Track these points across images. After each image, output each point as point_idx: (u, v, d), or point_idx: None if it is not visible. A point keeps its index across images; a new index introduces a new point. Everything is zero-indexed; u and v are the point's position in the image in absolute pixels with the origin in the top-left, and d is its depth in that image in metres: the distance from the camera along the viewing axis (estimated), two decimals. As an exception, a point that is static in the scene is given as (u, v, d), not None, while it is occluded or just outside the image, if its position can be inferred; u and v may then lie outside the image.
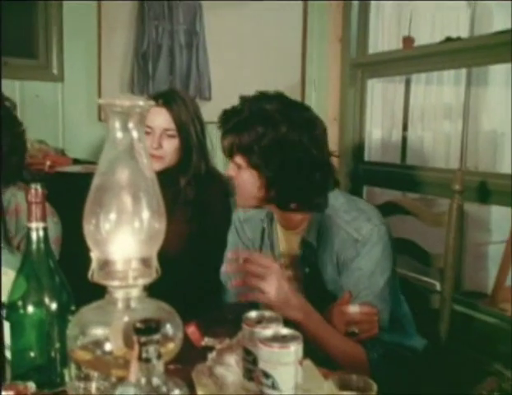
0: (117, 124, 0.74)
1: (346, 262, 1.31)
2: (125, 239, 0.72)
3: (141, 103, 0.74)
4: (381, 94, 3.00)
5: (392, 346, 1.35)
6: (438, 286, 2.81)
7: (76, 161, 2.43)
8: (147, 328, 0.61)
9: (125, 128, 0.74)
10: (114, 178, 0.73)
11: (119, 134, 0.74)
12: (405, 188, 2.71)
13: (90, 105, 2.61)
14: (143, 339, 0.60)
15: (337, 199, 1.36)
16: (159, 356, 0.61)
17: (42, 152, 2.41)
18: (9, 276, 0.92)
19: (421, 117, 3.10)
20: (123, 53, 2.66)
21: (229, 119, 1.32)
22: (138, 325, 0.61)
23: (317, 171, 1.30)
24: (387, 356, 1.29)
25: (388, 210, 1.69)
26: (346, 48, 2.85)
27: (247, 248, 1.52)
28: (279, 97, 1.33)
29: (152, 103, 0.79)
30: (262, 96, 1.32)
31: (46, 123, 2.56)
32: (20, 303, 0.87)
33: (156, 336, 0.61)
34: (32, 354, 0.88)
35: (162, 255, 1.46)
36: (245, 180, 1.32)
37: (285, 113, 1.27)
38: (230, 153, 1.32)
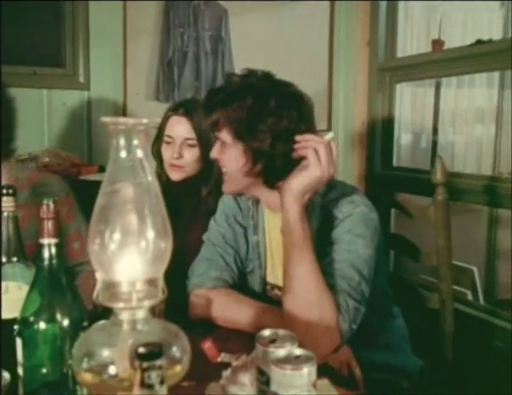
0: (121, 142, 0.72)
1: (326, 238, 1.28)
2: (130, 259, 0.71)
3: (145, 121, 0.72)
4: (410, 98, 2.94)
5: (380, 367, 1.31)
6: (470, 295, 2.75)
7: (102, 169, 2.45)
8: (150, 353, 0.58)
9: (129, 146, 0.73)
10: (119, 197, 0.72)
11: (123, 152, 0.73)
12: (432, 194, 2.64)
13: (115, 113, 2.63)
14: (145, 364, 0.58)
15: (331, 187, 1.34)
16: (162, 382, 0.59)
17: (68, 160, 2.44)
18: (23, 291, 0.92)
19: (452, 121, 3.03)
20: (149, 60, 2.68)
21: (215, 95, 1.30)
22: (140, 350, 0.58)
23: None
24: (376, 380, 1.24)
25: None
26: (374, 52, 2.80)
27: (241, 214, 1.48)
28: (266, 74, 1.32)
29: (157, 121, 0.77)
30: (250, 73, 1.31)
31: (73, 131, 2.60)
32: (32, 319, 0.87)
33: (159, 362, 0.59)
34: (44, 370, 0.87)
35: (184, 266, 1.46)
36: (231, 156, 1.29)
37: (273, 89, 1.26)
38: (215, 128, 1.30)
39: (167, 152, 1.73)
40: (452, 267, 1.61)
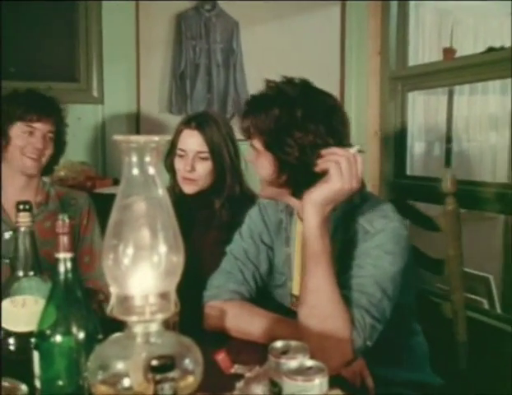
0: (133, 159, 0.74)
1: (353, 251, 1.26)
2: (143, 274, 0.72)
3: (156, 138, 0.74)
4: (423, 106, 2.93)
5: (400, 384, 1.29)
6: (486, 304, 2.72)
7: (116, 182, 2.47)
8: (162, 366, 0.60)
9: (141, 163, 0.74)
10: (132, 212, 0.74)
11: (136, 169, 0.74)
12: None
13: (129, 126, 2.65)
14: (158, 377, 0.60)
15: (357, 196, 1.31)
16: (175, 394, 0.61)
17: (84, 174, 2.46)
18: (40, 305, 0.93)
19: (466, 128, 3.00)
20: (161, 73, 2.70)
21: (250, 102, 1.31)
22: (153, 363, 0.60)
23: None
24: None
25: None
26: (385, 61, 2.81)
27: (267, 232, 1.48)
28: (303, 83, 1.30)
29: (168, 138, 0.78)
30: (286, 81, 1.30)
31: (87, 145, 2.63)
32: (49, 332, 0.88)
33: (172, 374, 0.60)
34: (61, 382, 0.88)
35: (197, 279, 1.46)
36: (262, 164, 1.30)
37: (304, 99, 1.25)
38: (247, 135, 1.31)
39: (180, 165, 1.75)
40: (464, 276, 1.59)
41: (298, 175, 1.26)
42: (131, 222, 0.73)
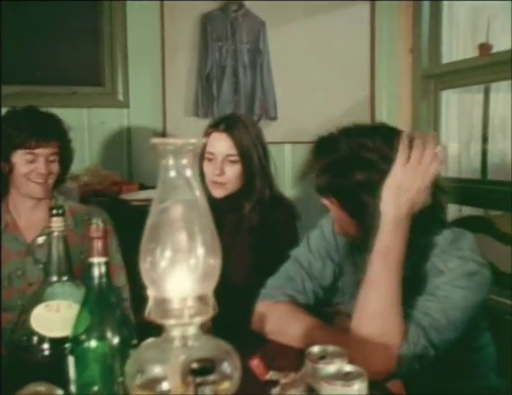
0: (170, 162, 0.75)
1: (424, 285, 1.22)
2: (181, 276, 0.73)
3: (193, 141, 0.74)
4: (457, 105, 2.84)
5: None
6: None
7: (142, 187, 2.44)
8: (203, 369, 0.60)
9: (178, 166, 0.75)
10: (169, 215, 0.75)
11: (173, 172, 0.75)
12: (486, 205, 2.54)
13: (155, 130, 2.62)
14: (199, 380, 0.60)
15: (439, 234, 1.26)
16: None
17: (109, 178, 2.43)
18: (74, 309, 0.93)
19: (503, 127, 2.90)
20: (187, 76, 2.66)
21: (324, 154, 1.25)
22: (193, 366, 0.60)
23: (421, 213, 1.18)
24: None
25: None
26: (417, 59, 2.75)
27: (335, 249, 1.44)
28: (381, 130, 1.24)
29: (204, 141, 0.77)
30: (362, 130, 1.24)
31: (113, 149, 2.60)
32: (83, 337, 0.88)
33: (212, 377, 0.61)
34: (95, 388, 0.89)
35: (226, 283, 1.41)
36: (339, 216, 1.27)
37: (386, 152, 1.17)
38: (323, 192, 1.27)
39: (209, 169, 1.71)
40: None
41: (368, 222, 1.20)
42: (168, 225, 0.74)
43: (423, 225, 1.21)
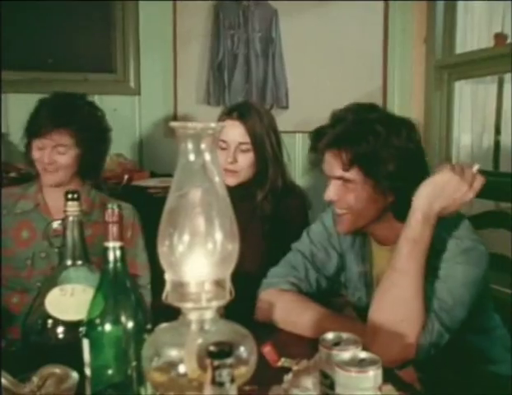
0: (189, 146, 0.74)
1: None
2: (198, 260, 0.73)
3: (213, 125, 0.73)
4: (470, 96, 2.81)
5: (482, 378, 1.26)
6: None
7: (153, 174, 2.44)
8: (221, 352, 0.60)
9: (197, 150, 0.74)
10: (187, 200, 0.74)
11: (192, 156, 0.74)
12: (498, 198, 2.51)
13: (166, 118, 2.62)
14: (216, 363, 0.59)
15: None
16: (232, 380, 0.60)
17: (120, 166, 2.43)
18: (88, 293, 0.93)
19: (517, 119, 2.88)
20: (199, 64, 2.66)
21: (329, 134, 1.27)
22: (211, 348, 0.59)
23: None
24: None
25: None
26: (431, 49, 2.71)
27: (337, 238, 1.45)
28: (374, 107, 1.30)
29: (224, 124, 0.77)
30: (358, 107, 1.29)
31: (124, 137, 2.59)
32: (98, 321, 0.88)
33: (230, 360, 0.60)
34: (110, 371, 0.89)
35: (238, 272, 1.42)
36: (360, 196, 1.26)
37: (387, 123, 1.24)
38: (347, 167, 1.25)
39: (221, 157, 1.69)
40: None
41: (403, 197, 1.22)
42: (187, 209, 0.74)
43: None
